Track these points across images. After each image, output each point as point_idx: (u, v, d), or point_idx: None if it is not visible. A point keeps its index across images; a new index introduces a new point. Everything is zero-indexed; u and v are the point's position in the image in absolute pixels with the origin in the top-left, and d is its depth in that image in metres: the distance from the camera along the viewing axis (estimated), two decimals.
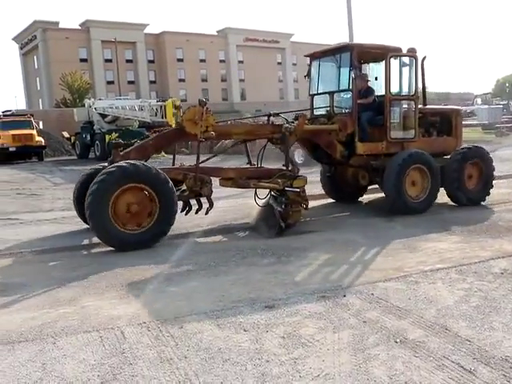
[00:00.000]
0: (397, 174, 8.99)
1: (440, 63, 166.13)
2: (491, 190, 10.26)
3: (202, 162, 8.66)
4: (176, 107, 22.19)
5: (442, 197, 10.02)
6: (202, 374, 3.44)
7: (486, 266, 5.78)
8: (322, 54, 10.13)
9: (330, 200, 11.24)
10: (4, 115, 31.72)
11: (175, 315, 4.56)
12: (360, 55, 9.50)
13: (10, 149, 28.31)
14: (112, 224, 7.12)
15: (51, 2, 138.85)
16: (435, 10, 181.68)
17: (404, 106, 9.76)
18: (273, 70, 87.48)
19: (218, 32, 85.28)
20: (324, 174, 11.05)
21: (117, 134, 25.19)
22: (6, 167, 25.52)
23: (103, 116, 29.17)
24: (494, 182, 10.31)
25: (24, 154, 29.31)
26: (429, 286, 5.16)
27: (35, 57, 75.43)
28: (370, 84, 9.90)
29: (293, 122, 8.87)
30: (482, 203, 10.06)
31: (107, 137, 26.35)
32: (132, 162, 7.42)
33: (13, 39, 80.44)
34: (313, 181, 11.39)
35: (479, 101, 42.90)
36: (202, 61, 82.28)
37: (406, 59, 9.58)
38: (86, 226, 8.08)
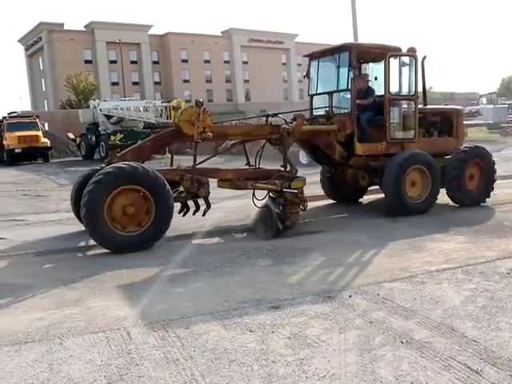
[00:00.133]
0: (396, 174, 8.93)
1: (445, 63, 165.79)
2: (497, 190, 10.22)
3: (200, 162, 8.64)
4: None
5: (445, 197, 9.98)
6: (208, 375, 3.44)
7: (493, 266, 5.76)
8: (321, 54, 10.07)
9: (333, 201, 11.20)
10: (10, 117, 31.80)
11: (181, 316, 4.56)
12: (359, 55, 9.45)
13: (16, 150, 28.39)
14: (107, 226, 7.07)
15: (56, 3, 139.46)
16: (441, 10, 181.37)
17: (404, 106, 9.70)
18: (277, 70, 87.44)
19: (222, 33, 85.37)
20: (324, 174, 11.00)
21: (122, 135, 25.23)
22: (11, 168, 25.61)
23: (108, 117, 29.23)
24: (498, 181, 10.27)
25: (30, 156, 29.38)
26: (435, 287, 5.15)
27: (40, 58, 75.72)
28: (370, 84, 9.85)
29: (291, 123, 8.82)
30: (484, 203, 9.99)
31: (112, 138, 26.39)
32: (126, 163, 7.36)
33: (18, 41, 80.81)
34: (316, 181, 11.41)
35: (484, 100, 42.71)
36: (207, 61, 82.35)
37: (405, 59, 9.52)
38: None
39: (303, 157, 17.47)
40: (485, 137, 31.83)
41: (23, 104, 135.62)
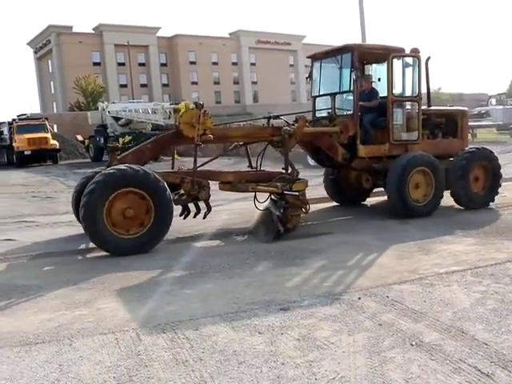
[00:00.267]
0: (399, 176, 8.84)
1: (454, 63, 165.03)
2: (506, 192, 10.13)
3: (202, 165, 8.61)
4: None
5: (451, 199, 9.89)
6: (217, 377, 3.44)
7: (503, 269, 5.72)
8: (323, 56, 9.99)
9: (336, 203, 11.11)
10: (19, 119, 32.05)
11: (190, 317, 4.57)
12: (362, 56, 9.38)
13: (25, 152, 28.61)
14: (107, 229, 7.04)
15: (65, 6, 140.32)
16: (451, 10, 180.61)
17: (407, 107, 9.61)
18: (285, 71, 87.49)
19: (230, 34, 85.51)
20: (327, 176, 10.91)
21: (130, 137, 25.32)
22: (21, 170, 25.80)
23: (116, 119, 29.34)
24: (507, 183, 10.16)
25: (39, 157, 29.59)
26: (444, 289, 5.12)
27: (49, 61, 76.23)
28: (373, 85, 9.78)
29: (293, 125, 8.76)
30: (490, 206, 9.88)
31: (121, 140, 26.48)
32: (125, 165, 7.32)
33: (27, 44, 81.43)
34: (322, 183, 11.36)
35: (494, 101, 42.49)
36: (215, 63, 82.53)
37: (408, 60, 9.45)
38: None
39: (311, 158, 17.40)
40: (494, 138, 31.68)
41: (32, 106, 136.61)
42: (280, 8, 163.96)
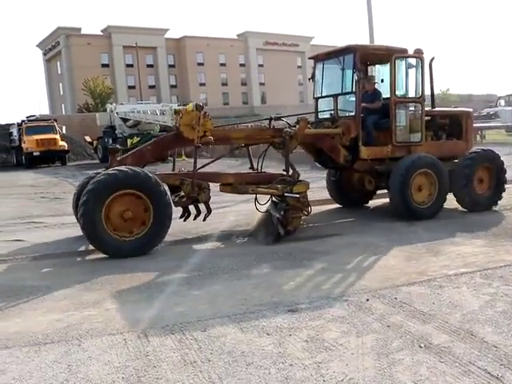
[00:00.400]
0: (402, 178, 8.77)
1: (463, 64, 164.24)
2: None
3: (202, 166, 8.58)
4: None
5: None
6: (225, 378, 3.45)
7: None
8: (325, 56, 9.92)
9: (339, 205, 11.00)
10: (28, 120, 32.24)
11: (198, 318, 4.58)
12: (364, 57, 9.32)
13: (34, 153, 28.79)
14: (105, 231, 7.02)
15: (74, 9, 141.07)
16: (460, 11, 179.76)
17: (410, 108, 9.55)
18: (293, 73, 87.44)
19: (238, 36, 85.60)
20: (329, 178, 10.83)
21: (138, 138, 25.42)
22: (30, 171, 25.95)
23: (125, 120, 29.43)
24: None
25: (47, 159, 29.76)
26: (453, 291, 5.10)
27: (58, 63, 76.65)
28: (376, 86, 9.70)
29: (294, 126, 8.69)
30: (494, 208, 9.76)
31: (129, 141, 26.59)
32: (123, 167, 7.29)
33: (37, 46, 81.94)
34: None
35: (503, 102, 42.17)
36: (223, 65, 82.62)
37: (412, 60, 9.37)
38: None
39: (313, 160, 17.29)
40: (503, 139, 31.48)
41: (41, 108, 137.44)
42: (288, 9, 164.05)
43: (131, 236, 7.23)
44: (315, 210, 10.49)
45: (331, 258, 6.58)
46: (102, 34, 75.51)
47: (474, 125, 31.93)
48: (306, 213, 8.01)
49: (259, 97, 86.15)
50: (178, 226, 8.51)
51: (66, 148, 30.32)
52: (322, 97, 10.12)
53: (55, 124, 31.38)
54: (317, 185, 11.65)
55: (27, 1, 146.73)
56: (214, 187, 8.50)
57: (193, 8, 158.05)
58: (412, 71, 9.40)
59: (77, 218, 8.06)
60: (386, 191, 9.62)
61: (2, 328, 4.57)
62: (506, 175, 10.02)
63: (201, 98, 70.60)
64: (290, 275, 5.89)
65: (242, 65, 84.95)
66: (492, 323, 4.21)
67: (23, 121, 31.91)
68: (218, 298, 5.16)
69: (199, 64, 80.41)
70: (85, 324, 4.58)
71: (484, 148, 10.30)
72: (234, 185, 8.35)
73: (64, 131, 32.30)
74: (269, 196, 8.41)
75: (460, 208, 9.78)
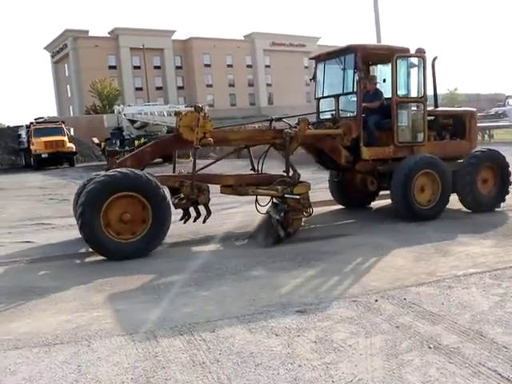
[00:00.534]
0: (404, 179, 8.68)
1: (471, 64, 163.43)
2: None
3: (202, 168, 8.55)
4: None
5: None
6: (234, 378, 3.45)
7: None
8: (326, 56, 9.86)
9: (341, 206, 10.91)
10: (36, 122, 32.46)
11: (207, 319, 4.58)
12: (365, 57, 9.24)
13: (43, 155, 29.00)
14: (104, 233, 6.99)
15: (81, 11, 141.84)
16: (468, 10, 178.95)
17: (412, 108, 9.46)
18: (300, 73, 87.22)
19: (244, 37, 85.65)
20: (332, 179, 10.75)
21: (146, 140, 25.51)
22: (38, 173, 26.13)
23: (132, 122, 29.59)
24: None
25: (56, 160, 29.96)
26: (462, 291, 5.07)
27: (66, 65, 77.06)
28: (378, 86, 9.62)
29: (295, 127, 8.63)
30: (498, 209, 9.64)
31: (136, 142, 26.72)
32: (122, 169, 7.28)
33: (44, 48, 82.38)
34: None
35: (511, 101, 41.95)
36: (229, 66, 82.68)
37: (414, 60, 9.29)
38: None
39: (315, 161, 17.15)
40: None
41: (49, 110, 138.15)
42: (294, 10, 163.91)
43: (131, 238, 7.19)
44: (323, 210, 10.51)
45: (339, 259, 6.57)
46: (109, 36, 75.80)
47: (483, 124, 31.71)
48: (306, 214, 7.95)
49: (266, 98, 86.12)
50: (185, 228, 8.53)
51: (74, 150, 30.51)
52: (323, 97, 10.07)
53: (63, 126, 31.60)
54: (325, 185, 11.61)
55: (35, 4, 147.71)
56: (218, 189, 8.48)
57: (199, 9, 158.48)
58: (414, 71, 9.33)
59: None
60: (389, 192, 9.53)
61: (13, 329, 4.60)
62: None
63: (208, 100, 70.84)
64: (299, 276, 5.88)
65: (248, 66, 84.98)
66: (502, 324, 4.18)
67: (31, 123, 32.16)
68: (227, 299, 5.16)
69: (206, 65, 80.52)
70: (94, 325, 4.60)
71: (488, 148, 10.19)
72: (234, 186, 8.32)
73: (72, 133, 32.52)
74: (269, 197, 8.36)
75: (463, 209, 9.68)
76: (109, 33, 76.35)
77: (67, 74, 77.05)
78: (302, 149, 9.56)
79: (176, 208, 8.14)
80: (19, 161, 33.76)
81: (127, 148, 25.36)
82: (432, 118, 9.92)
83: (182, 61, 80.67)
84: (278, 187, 7.92)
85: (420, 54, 9.29)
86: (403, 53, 9.21)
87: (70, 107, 76.25)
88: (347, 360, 3.65)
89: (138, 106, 33.91)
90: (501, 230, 7.91)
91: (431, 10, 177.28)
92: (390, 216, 9.29)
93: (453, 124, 10.40)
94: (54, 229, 9.90)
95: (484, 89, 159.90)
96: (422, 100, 9.40)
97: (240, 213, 10.28)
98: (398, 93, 9.22)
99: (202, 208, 8.22)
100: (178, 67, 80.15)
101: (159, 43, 74.33)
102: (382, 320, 4.39)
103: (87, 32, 74.60)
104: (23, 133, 32.64)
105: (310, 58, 10.51)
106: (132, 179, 7.11)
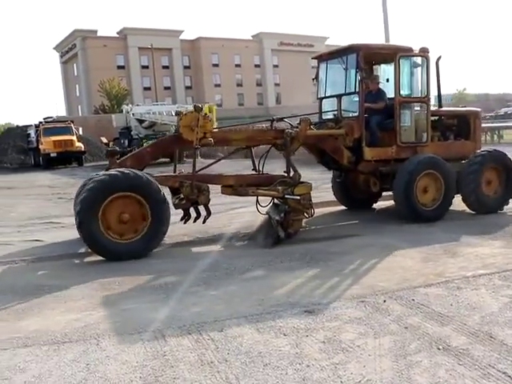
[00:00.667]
0: (407, 180, 8.60)
1: (480, 63, 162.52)
2: None
3: (202, 168, 8.53)
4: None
5: None
6: (242, 378, 3.45)
7: None
8: (329, 56, 9.77)
9: (344, 207, 10.82)
10: (45, 122, 32.63)
11: (215, 319, 4.59)
12: (368, 56, 9.13)
13: (52, 154, 29.14)
14: (102, 234, 6.96)
15: (90, 11, 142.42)
16: (476, 10, 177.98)
17: (416, 108, 9.37)
18: (308, 73, 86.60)
19: (252, 37, 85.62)
20: (335, 179, 10.65)
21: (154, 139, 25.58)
22: (47, 172, 26.27)
23: (141, 121, 29.68)
24: None
25: (64, 159, 30.09)
26: (471, 292, 5.05)
27: (75, 65, 77.42)
28: (381, 86, 9.52)
29: (297, 127, 8.57)
30: (502, 211, 9.53)
31: (145, 142, 26.78)
32: (121, 169, 7.26)
33: (54, 48, 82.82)
34: None
35: None
36: (238, 66, 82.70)
37: (417, 59, 9.21)
38: None
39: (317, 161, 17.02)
40: None
41: (58, 109, 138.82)
42: (303, 10, 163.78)
43: (130, 238, 7.17)
44: (329, 210, 10.48)
45: (347, 259, 6.55)
46: (117, 35, 76.06)
47: (492, 124, 31.49)
48: (307, 215, 7.91)
49: (274, 97, 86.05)
50: (193, 227, 8.52)
51: (83, 149, 30.63)
52: (325, 97, 10.00)
53: (72, 125, 31.74)
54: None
55: (44, 5, 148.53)
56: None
57: (207, 9, 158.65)
58: (417, 70, 9.25)
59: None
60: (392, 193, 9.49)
61: (22, 327, 4.63)
62: None
63: (216, 99, 70.83)
64: (307, 276, 5.88)
65: (256, 65, 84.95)
66: (511, 326, 4.15)
67: (40, 122, 32.35)
68: (235, 299, 5.17)
69: (214, 65, 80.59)
70: (102, 324, 4.62)
71: (492, 148, 10.08)
72: (235, 187, 8.25)
73: (80, 132, 32.66)
74: (270, 198, 8.30)
75: (468, 210, 9.55)
76: (117, 33, 76.62)
77: (76, 74, 77.42)
78: (304, 149, 9.47)
79: (176, 208, 8.13)
80: (28, 160, 33.98)
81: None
82: (436, 118, 9.84)
83: (190, 60, 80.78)
84: (279, 188, 7.87)
85: (423, 53, 9.18)
86: (406, 52, 9.13)
87: (79, 107, 76.60)
88: (356, 360, 3.64)
89: (147, 106, 34.04)
90: (510, 230, 7.85)
91: (441, 9, 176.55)
92: (395, 217, 9.25)
93: (457, 124, 10.29)
94: (63, 228, 9.94)
95: (493, 89, 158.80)
96: (425, 100, 9.31)
97: (249, 212, 10.25)
98: (401, 92, 9.14)
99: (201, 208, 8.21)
100: (186, 67, 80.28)
101: (167, 43, 74.49)
102: (391, 321, 4.38)
103: (96, 32, 74.89)
104: (32, 132, 32.83)
105: (313, 58, 10.38)
106: (129, 179, 7.05)
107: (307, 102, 76.86)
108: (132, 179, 7.08)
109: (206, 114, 8.03)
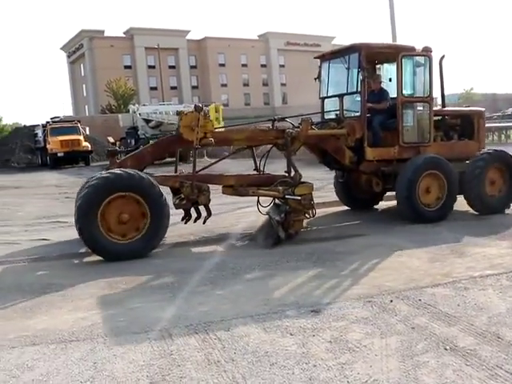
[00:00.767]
0: (409, 180, 8.56)
1: (487, 63, 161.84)
2: None
3: (203, 169, 8.52)
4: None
5: None
6: (249, 377, 3.45)
7: None
8: (331, 56, 9.74)
9: (347, 207, 10.78)
10: (53, 121, 32.79)
11: (221, 318, 4.60)
12: (370, 56, 9.10)
13: (59, 154, 29.29)
14: (102, 234, 6.95)
15: (97, 11, 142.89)
16: (483, 10, 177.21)
17: (418, 108, 9.31)
18: (314, 73, 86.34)
19: (259, 36, 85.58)
20: (337, 180, 10.60)
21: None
22: (54, 172, 26.39)
23: (147, 121, 29.76)
24: None
25: (71, 159, 30.24)
26: (479, 293, 5.03)
27: (82, 65, 77.72)
28: (384, 86, 9.49)
29: (298, 127, 8.53)
30: (506, 212, 9.47)
31: (151, 142, 26.84)
32: (119, 170, 7.25)
33: (61, 48, 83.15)
34: None
35: None
36: (244, 65, 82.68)
37: (420, 59, 9.15)
38: None
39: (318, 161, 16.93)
40: None
41: (65, 109, 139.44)
42: (309, 9, 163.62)
43: (133, 237, 7.16)
44: (332, 210, 10.46)
45: (354, 259, 6.54)
46: (124, 36, 76.27)
47: (499, 124, 31.30)
48: (308, 215, 7.87)
49: (280, 97, 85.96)
50: (199, 227, 8.52)
51: (90, 149, 30.77)
52: (327, 97, 9.95)
53: (79, 125, 31.90)
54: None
55: (52, 5, 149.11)
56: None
57: (214, 9, 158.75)
58: (420, 70, 9.19)
59: None
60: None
61: (30, 325, 4.66)
62: None
63: (222, 99, 70.83)
64: (313, 275, 5.88)
65: (263, 65, 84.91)
66: None
67: (48, 122, 32.53)
68: (241, 298, 5.17)
69: (221, 65, 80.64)
70: (109, 323, 4.64)
71: (496, 149, 10.01)
72: (235, 187, 8.22)
73: (87, 132, 32.82)
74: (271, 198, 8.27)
75: (471, 210, 9.49)
76: (124, 33, 76.85)
77: (83, 74, 77.72)
78: (306, 149, 9.41)
79: (177, 208, 8.12)
80: (35, 159, 34.18)
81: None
82: (439, 118, 9.79)
83: (197, 60, 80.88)
84: (280, 188, 7.85)
85: (426, 52, 9.14)
86: (409, 51, 9.08)
87: (86, 106, 76.88)
88: (362, 360, 3.64)
89: (153, 106, 34.12)
90: None
91: (450, 8, 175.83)
92: (399, 217, 9.23)
93: (460, 124, 10.23)
94: (70, 227, 9.93)
95: (501, 88, 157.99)
96: (427, 100, 9.25)
97: (256, 212, 10.28)
98: (404, 92, 9.10)
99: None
100: (192, 67, 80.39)
101: (174, 43, 74.62)
102: (398, 321, 4.36)
103: (103, 32, 75.15)
104: (39, 132, 33.02)
105: (315, 57, 10.32)
106: (122, 179, 7.02)
107: (313, 102, 76.33)
108: (124, 179, 7.03)
109: (206, 113, 8.01)
